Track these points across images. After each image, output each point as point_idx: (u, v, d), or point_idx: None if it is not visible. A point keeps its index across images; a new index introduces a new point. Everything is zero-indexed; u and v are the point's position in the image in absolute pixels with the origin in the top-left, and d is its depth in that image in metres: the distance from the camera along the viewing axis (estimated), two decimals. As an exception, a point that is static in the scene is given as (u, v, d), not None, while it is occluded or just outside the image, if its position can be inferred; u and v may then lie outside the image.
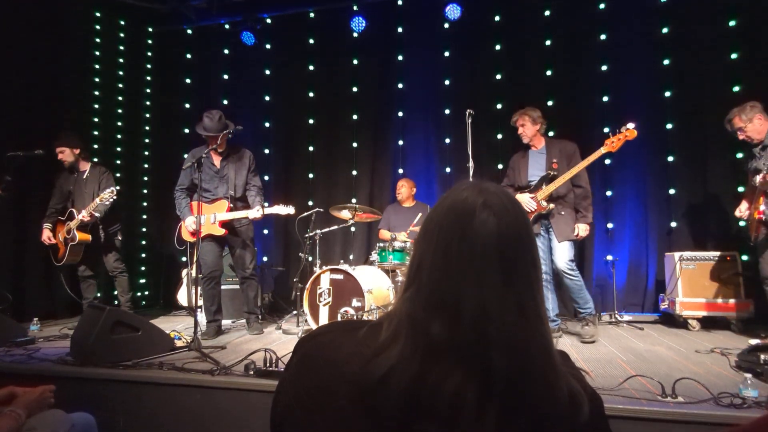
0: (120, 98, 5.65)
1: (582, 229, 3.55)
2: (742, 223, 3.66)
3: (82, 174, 4.23)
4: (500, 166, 4.88)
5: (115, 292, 4.45)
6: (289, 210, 3.65)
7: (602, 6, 4.74)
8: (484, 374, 0.58)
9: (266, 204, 3.79)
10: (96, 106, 5.32)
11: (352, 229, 5.21)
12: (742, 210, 3.39)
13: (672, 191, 4.51)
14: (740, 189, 4.01)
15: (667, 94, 4.53)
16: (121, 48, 5.71)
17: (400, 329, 0.63)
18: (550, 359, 0.61)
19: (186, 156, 3.96)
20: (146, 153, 5.96)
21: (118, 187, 4.01)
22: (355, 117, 5.44)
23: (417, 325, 0.62)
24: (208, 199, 3.74)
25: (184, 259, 5.52)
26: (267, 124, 5.65)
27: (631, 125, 3.31)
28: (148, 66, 6.00)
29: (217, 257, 3.80)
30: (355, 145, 5.44)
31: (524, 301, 0.61)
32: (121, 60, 5.69)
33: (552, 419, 0.59)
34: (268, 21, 5.64)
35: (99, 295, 4.43)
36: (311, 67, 5.59)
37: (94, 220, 4.05)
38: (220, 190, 3.74)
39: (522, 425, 0.58)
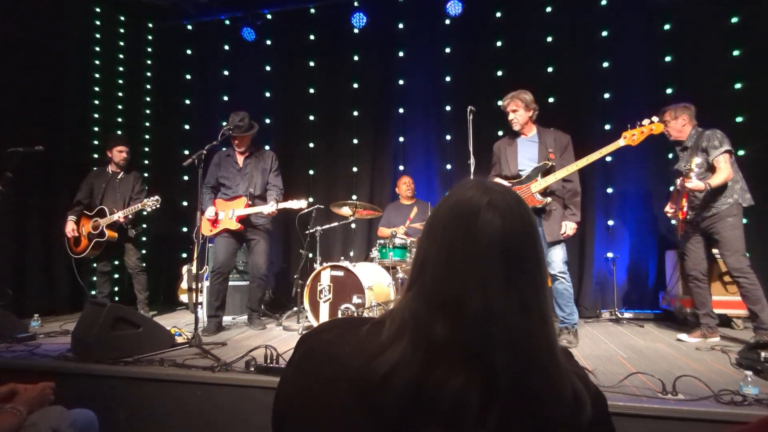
0: (120, 94, 5.63)
1: (570, 228, 3.21)
2: (674, 222, 3.75)
3: (117, 175, 4.37)
4: (501, 163, 4.87)
5: (116, 288, 4.45)
6: (301, 204, 3.69)
7: (604, 2, 4.72)
8: (487, 374, 0.57)
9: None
10: (96, 101, 5.31)
11: (353, 225, 5.20)
12: (668, 210, 3.53)
13: (672, 188, 4.49)
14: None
15: (669, 91, 4.50)
16: (121, 44, 5.68)
17: (402, 328, 0.62)
18: (553, 359, 0.61)
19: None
20: (146, 149, 5.95)
21: (157, 197, 4.09)
22: (355, 113, 5.43)
23: (420, 323, 0.61)
24: (229, 195, 3.84)
25: (184, 255, 5.52)
26: (267, 121, 5.63)
27: (656, 118, 2.98)
28: (148, 62, 5.97)
29: (230, 254, 3.82)
30: (355, 141, 5.42)
31: (528, 301, 0.61)
32: (120, 56, 5.67)
33: (555, 419, 0.58)
34: (269, 17, 5.61)
35: (115, 289, 4.48)
36: (311, 63, 5.57)
37: (126, 222, 4.19)
38: (240, 187, 3.83)
39: (525, 425, 0.58)
